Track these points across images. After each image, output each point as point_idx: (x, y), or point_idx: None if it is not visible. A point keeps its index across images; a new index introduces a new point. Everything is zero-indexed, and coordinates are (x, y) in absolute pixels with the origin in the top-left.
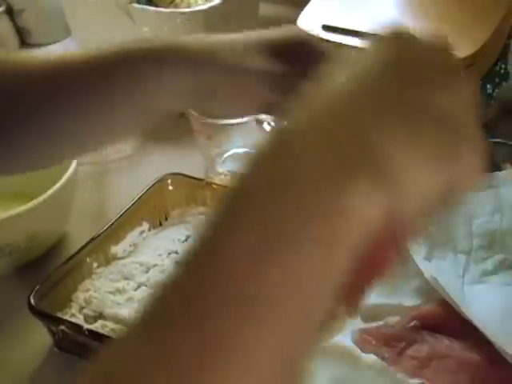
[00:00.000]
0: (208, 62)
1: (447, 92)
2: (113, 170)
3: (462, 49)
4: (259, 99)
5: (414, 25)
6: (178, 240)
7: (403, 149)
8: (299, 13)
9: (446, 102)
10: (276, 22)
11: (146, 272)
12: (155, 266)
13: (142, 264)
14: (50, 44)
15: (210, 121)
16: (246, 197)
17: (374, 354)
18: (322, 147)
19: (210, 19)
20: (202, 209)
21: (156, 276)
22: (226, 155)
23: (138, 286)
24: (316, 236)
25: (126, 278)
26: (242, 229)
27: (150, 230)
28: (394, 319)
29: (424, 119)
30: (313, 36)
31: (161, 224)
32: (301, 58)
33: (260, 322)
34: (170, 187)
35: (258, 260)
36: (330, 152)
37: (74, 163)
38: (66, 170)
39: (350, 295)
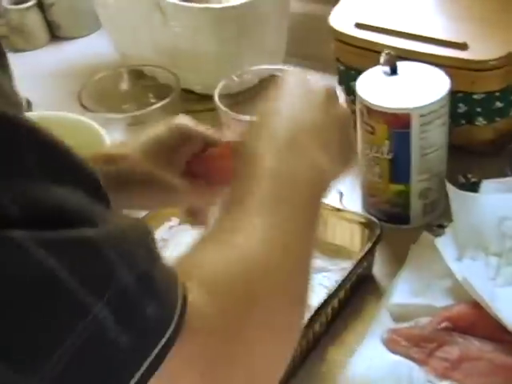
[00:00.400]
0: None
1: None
2: None
3: (497, 49)
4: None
5: (448, 24)
6: None
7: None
8: (330, 10)
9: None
10: (306, 19)
11: None
12: None
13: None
14: (79, 38)
15: (240, 117)
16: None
17: (404, 354)
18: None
19: (242, 16)
20: None
21: None
22: None
23: None
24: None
25: None
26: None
27: (179, 225)
28: (424, 320)
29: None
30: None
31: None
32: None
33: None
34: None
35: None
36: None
37: None
38: None
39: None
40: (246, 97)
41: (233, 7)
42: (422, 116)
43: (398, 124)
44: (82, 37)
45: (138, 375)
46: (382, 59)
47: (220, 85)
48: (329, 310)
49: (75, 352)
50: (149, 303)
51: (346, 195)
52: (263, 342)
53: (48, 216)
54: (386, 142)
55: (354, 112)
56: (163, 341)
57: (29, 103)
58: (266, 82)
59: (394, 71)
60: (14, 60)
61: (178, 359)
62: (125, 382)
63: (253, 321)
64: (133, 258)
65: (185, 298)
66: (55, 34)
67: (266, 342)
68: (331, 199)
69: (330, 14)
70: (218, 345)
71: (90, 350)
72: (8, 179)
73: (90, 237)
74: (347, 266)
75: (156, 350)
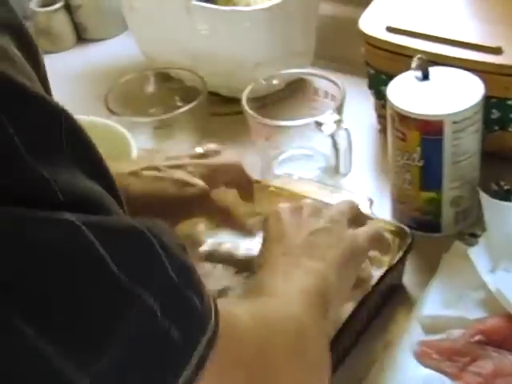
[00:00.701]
0: None
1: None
2: None
3: None
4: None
5: (482, 28)
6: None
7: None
8: (360, 12)
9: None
10: (336, 21)
11: None
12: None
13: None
14: (106, 39)
15: (268, 122)
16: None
17: (435, 368)
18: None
19: (271, 18)
20: (257, 211)
21: (217, 272)
22: (282, 156)
23: None
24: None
25: None
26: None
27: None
28: (456, 332)
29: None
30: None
31: (217, 225)
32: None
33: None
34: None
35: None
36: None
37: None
38: None
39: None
40: (274, 99)
41: (262, 9)
42: (454, 123)
43: (430, 131)
44: (108, 38)
45: (190, 367)
46: (413, 64)
47: (248, 88)
48: (358, 320)
49: (128, 340)
50: (191, 295)
51: (374, 202)
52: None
53: (87, 204)
54: (418, 149)
55: (384, 117)
56: (208, 333)
57: None
58: (294, 85)
59: (426, 76)
60: None
61: (223, 356)
62: (179, 372)
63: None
64: (171, 248)
65: (214, 298)
66: (82, 36)
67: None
68: (361, 206)
69: (360, 16)
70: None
71: (143, 339)
72: (52, 166)
73: (133, 225)
74: (377, 274)
75: (204, 341)
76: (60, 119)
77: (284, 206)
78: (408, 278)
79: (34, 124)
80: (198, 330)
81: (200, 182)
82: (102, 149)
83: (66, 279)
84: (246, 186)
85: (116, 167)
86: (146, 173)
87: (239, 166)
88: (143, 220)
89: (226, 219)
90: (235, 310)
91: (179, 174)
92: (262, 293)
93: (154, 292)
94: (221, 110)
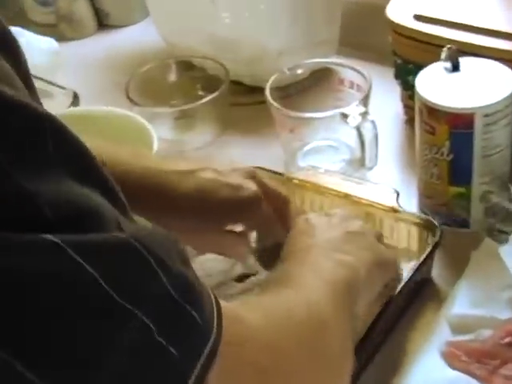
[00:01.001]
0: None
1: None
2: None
3: None
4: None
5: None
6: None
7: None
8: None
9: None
10: (361, 7)
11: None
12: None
13: (220, 261)
14: (127, 26)
15: (293, 114)
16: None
17: (464, 370)
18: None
19: (294, 6)
20: None
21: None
22: (307, 148)
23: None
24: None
25: (208, 275)
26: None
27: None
28: (486, 333)
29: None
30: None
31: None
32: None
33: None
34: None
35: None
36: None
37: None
38: None
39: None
40: (298, 89)
41: None
42: (486, 116)
43: (460, 124)
44: (130, 25)
45: (191, 381)
46: (443, 54)
47: (271, 79)
48: (386, 318)
49: (124, 361)
50: (190, 310)
51: (401, 195)
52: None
53: (78, 218)
54: (447, 143)
55: (410, 107)
56: (209, 346)
57: (75, 96)
58: (319, 74)
59: (456, 67)
60: (63, 49)
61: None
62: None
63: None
64: (168, 262)
65: (218, 306)
66: (103, 23)
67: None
68: (387, 199)
69: (386, 3)
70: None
71: (139, 359)
72: (37, 178)
73: (123, 239)
74: (406, 267)
75: (205, 354)
76: (45, 126)
77: (311, 215)
78: (436, 273)
79: (16, 134)
80: (199, 344)
81: (254, 187)
82: (123, 140)
83: (49, 307)
84: (287, 221)
85: (166, 164)
86: (202, 173)
87: (287, 200)
88: (140, 232)
89: (271, 231)
90: (246, 310)
91: (234, 177)
92: (286, 283)
93: (150, 310)
94: (243, 99)
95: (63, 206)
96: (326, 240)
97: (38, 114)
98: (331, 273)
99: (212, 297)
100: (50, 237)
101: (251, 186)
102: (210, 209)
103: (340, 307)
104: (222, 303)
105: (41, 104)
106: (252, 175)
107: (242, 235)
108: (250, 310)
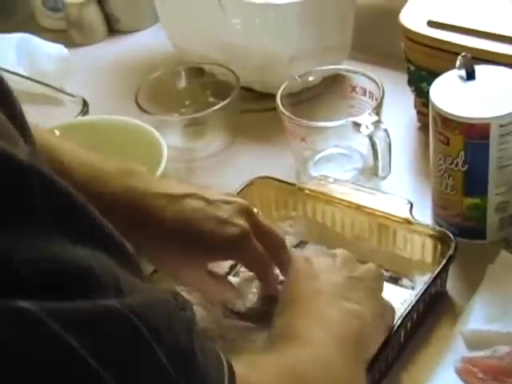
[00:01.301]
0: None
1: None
2: (200, 167)
3: None
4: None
5: None
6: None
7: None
8: (400, 3)
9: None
10: (374, 13)
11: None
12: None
13: (229, 267)
14: (137, 31)
15: (305, 123)
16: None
17: None
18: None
19: (305, 12)
20: (291, 215)
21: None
22: (318, 156)
23: None
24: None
25: None
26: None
27: None
28: (502, 349)
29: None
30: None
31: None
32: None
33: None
34: (259, 191)
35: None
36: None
37: (164, 161)
38: (157, 168)
39: None
40: (309, 95)
41: (296, 3)
42: (501, 126)
43: (475, 134)
44: (140, 30)
45: None
46: (457, 63)
47: (282, 86)
48: (401, 332)
49: None
50: (188, 381)
51: (414, 206)
52: None
53: (63, 281)
54: (461, 154)
55: (424, 114)
56: None
57: (85, 103)
58: (330, 80)
59: (471, 76)
60: (73, 55)
61: None
62: None
63: None
64: (166, 334)
65: (232, 374)
66: (113, 28)
67: None
68: (400, 210)
69: (399, 7)
70: None
71: None
72: (18, 235)
73: (113, 308)
74: (419, 280)
75: None
76: (31, 179)
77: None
78: (450, 285)
79: None
80: None
81: (242, 224)
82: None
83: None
84: (282, 265)
85: (156, 186)
86: (190, 200)
87: (282, 240)
88: (140, 299)
89: (263, 273)
90: (258, 373)
91: (223, 210)
92: (294, 338)
93: None
94: (254, 106)
95: (45, 268)
96: (332, 285)
97: (23, 166)
98: (341, 325)
99: (224, 362)
100: (24, 304)
101: (239, 223)
102: (193, 240)
103: (353, 362)
104: (235, 368)
105: (38, 156)
106: (246, 211)
107: (224, 279)
108: (261, 373)
